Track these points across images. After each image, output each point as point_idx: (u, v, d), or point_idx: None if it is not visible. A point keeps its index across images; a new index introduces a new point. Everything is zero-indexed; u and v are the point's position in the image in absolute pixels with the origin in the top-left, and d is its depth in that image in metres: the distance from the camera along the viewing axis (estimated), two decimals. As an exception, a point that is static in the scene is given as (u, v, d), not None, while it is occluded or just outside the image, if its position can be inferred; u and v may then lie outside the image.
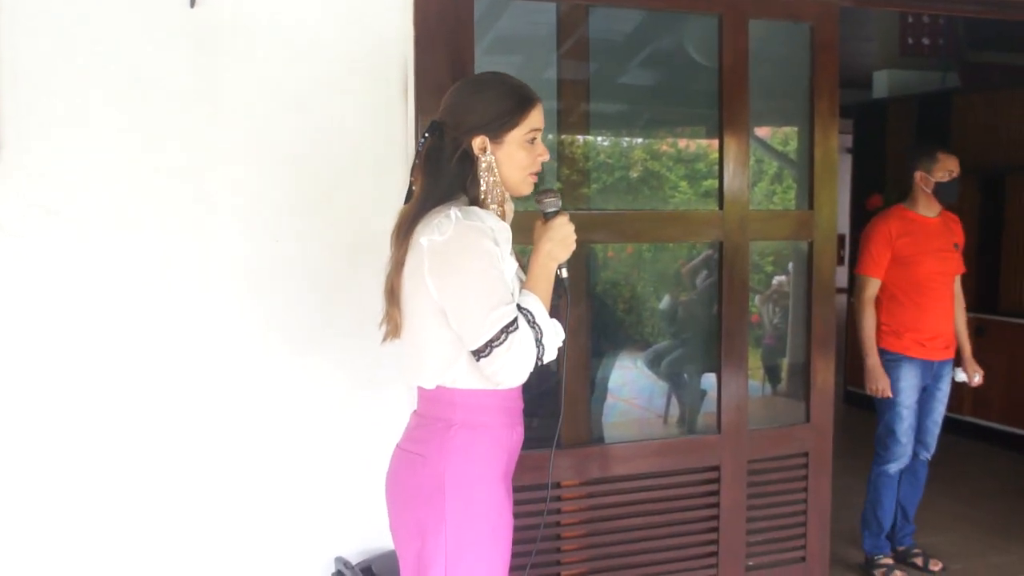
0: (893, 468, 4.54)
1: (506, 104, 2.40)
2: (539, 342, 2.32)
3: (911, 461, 4.62)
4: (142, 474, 3.02)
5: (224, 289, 3.07)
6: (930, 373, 4.58)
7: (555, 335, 2.39)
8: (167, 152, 2.98)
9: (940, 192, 4.51)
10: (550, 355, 2.37)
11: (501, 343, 2.24)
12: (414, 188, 2.47)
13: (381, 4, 3.20)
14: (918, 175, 4.55)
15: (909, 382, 4.51)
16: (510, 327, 2.25)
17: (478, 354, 2.26)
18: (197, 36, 2.99)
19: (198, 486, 3.09)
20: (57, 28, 2.85)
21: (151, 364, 3.01)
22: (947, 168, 4.49)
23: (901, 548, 4.70)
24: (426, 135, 2.44)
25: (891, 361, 4.51)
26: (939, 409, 4.65)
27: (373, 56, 3.20)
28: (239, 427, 3.12)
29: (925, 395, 4.59)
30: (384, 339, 2.51)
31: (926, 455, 4.66)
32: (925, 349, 4.52)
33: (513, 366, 2.27)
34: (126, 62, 2.92)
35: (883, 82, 8.09)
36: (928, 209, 4.57)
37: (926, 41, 8.18)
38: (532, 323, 2.32)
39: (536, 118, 2.43)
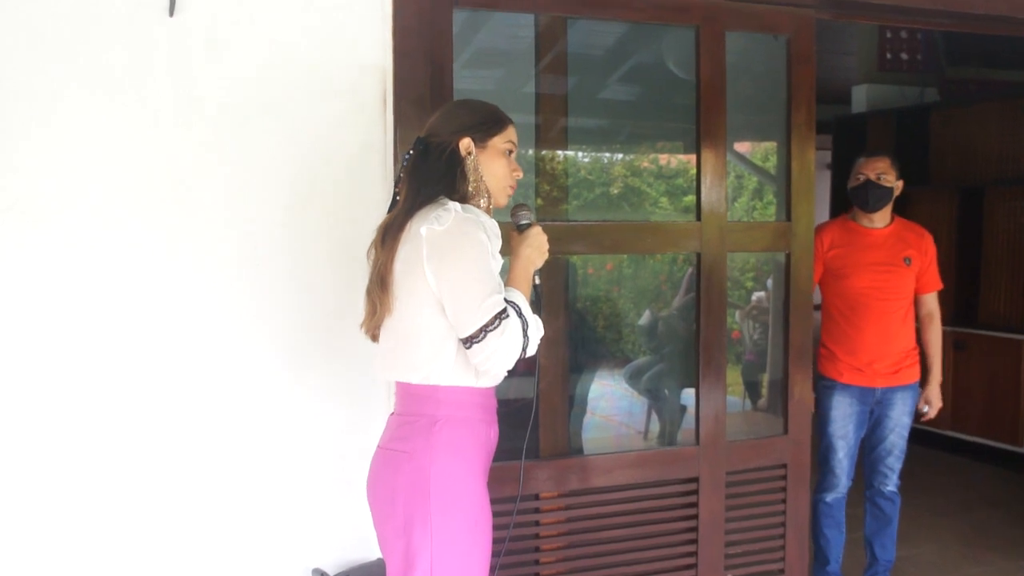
0: (829, 497, 4.39)
1: (488, 114, 2.63)
2: (525, 332, 2.43)
3: (871, 494, 4.48)
4: (113, 482, 3.02)
5: (195, 295, 3.08)
6: (872, 400, 4.36)
7: (537, 329, 2.52)
8: (142, 159, 2.99)
9: (854, 198, 4.39)
10: (532, 347, 2.49)
11: (495, 328, 2.37)
12: (399, 197, 2.60)
13: (359, 14, 3.23)
14: (848, 185, 4.45)
15: (842, 411, 4.35)
16: (503, 314, 2.38)
17: (471, 340, 2.38)
18: (174, 44, 3.01)
19: (172, 495, 3.09)
20: (33, 33, 2.86)
21: (123, 367, 3.01)
22: (860, 172, 4.35)
23: None
24: (410, 151, 2.59)
25: (825, 387, 4.38)
26: (890, 439, 4.39)
27: (351, 66, 3.23)
28: (212, 437, 3.13)
29: (873, 423, 4.40)
30: (366, 334, 2.63)
31: (888, 487, 4.45)
32: (863, 375, 4.33)
33: (503, 352, 2.39)
34: (103, 68, 2.94)
35: (862, 97, 8.14)
36: (868, 220, 4.40)
37: (905, 56, 8.22)
38: (519, 314, 2.44)
39: (512, 134, 2.65)
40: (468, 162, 2.56)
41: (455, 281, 2.40)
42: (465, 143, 2.56)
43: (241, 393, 3.15)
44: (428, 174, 2.54)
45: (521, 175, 2.68)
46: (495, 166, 2.60)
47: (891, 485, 4.45)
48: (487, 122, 2.61)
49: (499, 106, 2.68)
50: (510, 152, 2.64)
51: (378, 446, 2.60)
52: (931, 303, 4.50)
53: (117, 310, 2.99)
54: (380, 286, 2.51)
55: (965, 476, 6.72)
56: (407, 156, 2.61)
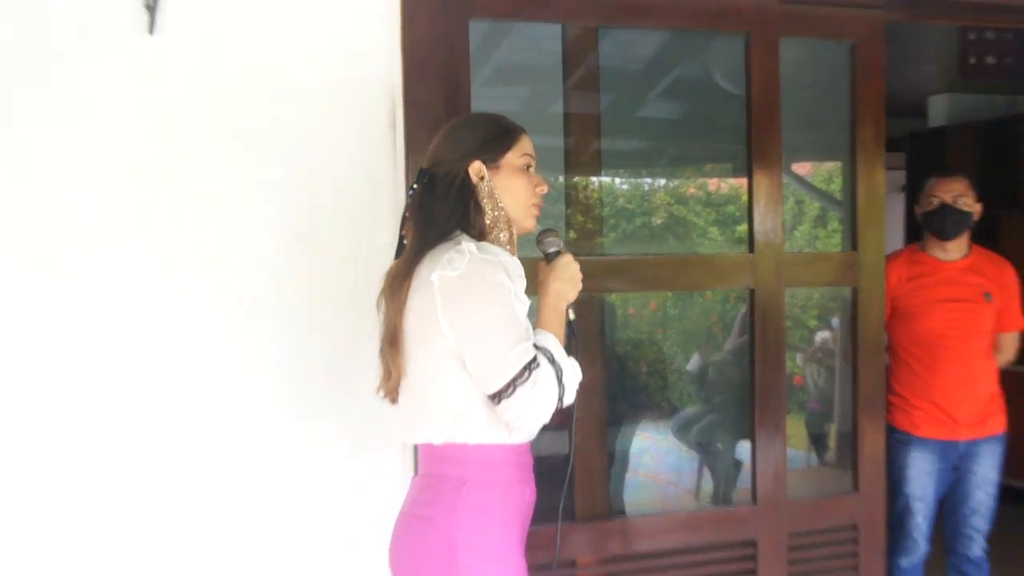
0: (905, 563, 4.36)
1: (495, 128, 2.58)
2: (560, 381, 2.40)
3: (955, 560, 4.43)
4: (108, 526, 3.07)
5: (196, 328, 3.13)
6: (955, 455, 4.33)
7: (574, 374, 2.48)
8: (124, 188, 3.04)
9: (927, 225, 4.35)
10: (570, 396, 2.46)
11: (525, 380, 2.34)
12: (405, 241, 2.57)
13: (362, 28, 3.26)
14: (916, 209, 4.43)
15: (920, 468, 4.32)
16: (532, 364, 2.35)
17: (499, 396, 2.35)
18: (154, 65, 3.05)
19: (168, 557, 3.12)
20: (5, 56, 2.93)
21: (115, 419, 3.07)
22: (933, 195, 4.32)
23: None
24: (414, 186, 2.57)
25: (900, 442, 4.33)
26: (977, 497, 4.35)
27: (354, 86, 3.24)
28: (211, 495, 3.16)
29: (956, 480, 4.37)
30: (384, 397, 2.60)
31: (975, 552, 4.40)
32: (944, 427, 4.30)
33: (536, 406, 2.36)
34: (79, 90, 2.99)
35: (941, 109, 8.04)
36: (942, 250, 4.38)
37: (991, 61, 8.10)
38: (552, 360, 2.41)
39: (527, 144, 2.59)
40: (482, 189, 2.53)
41: (475, 332, 2.37)
42: (476, 168, 2.52)
43: (241, 450, 3.18)
44: (437, 211, 2.51)
45: (546, 189, 2.63)
46: (514, 186, 2.56)
47: (978, 550, 4.41)
48: (496, 137, 2.57)
49: (519, 122, 2.65)
50: (528, 166, 2.61)
51: (400, 512, 2.59)
52: (1010, 345, 4.47)
53: (106, 358, 3.04)
54: (392, 346, 2.50)
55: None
56: (411, 191, 2.59)
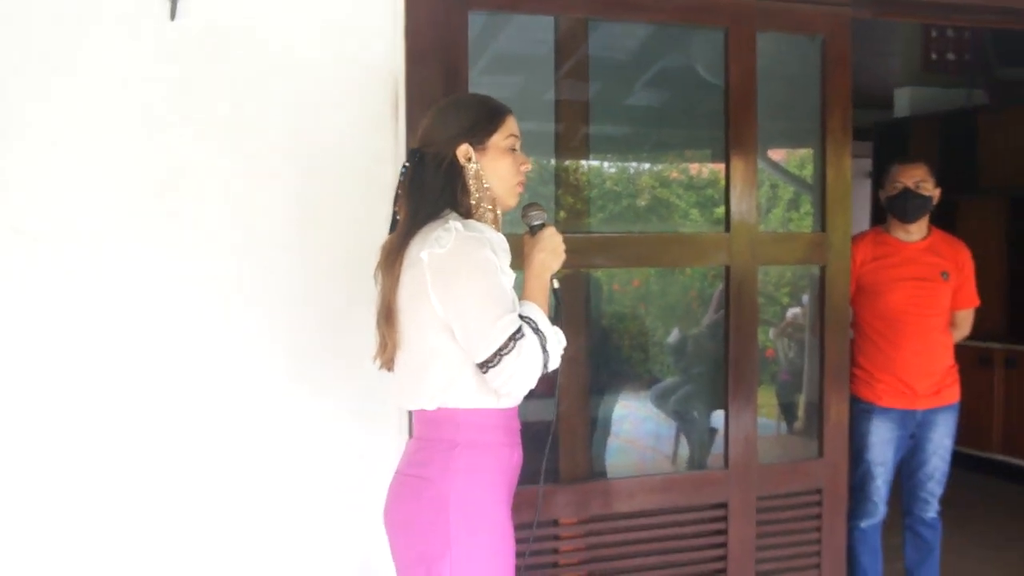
0: (865, 524, 4.35)
1: (482, 111, 2.57)
2: (544, 348, 2.41)
3: (911, 521, 4.46)
4: (119, 510, 3.05)
5: (202, 303, 3.11)
6: (913, 423, 4.35)
7: (558, 341, 2.49)
8: (145, 168, 3.02)
9: (890, 208, 4.36)
10: (555, 362, 2.47)
11: (510, 351, 2.33)
12: (398, 217, 2.57)
13: (369, 16, 3.24)
14: (881, 194, 4.44)
15: (881, 436, 4.31)
16: (517, 334, 2.35)
17: (486, 365, 2.35)
18: (176, 50, 3.03)
19: (178, 519, 3.11)
20: (29, 40, 2.91)
21: (127, 389, 3.05)
22: (896, 180, 4.32)
23: None
24: (406, 164, 2.57)
25: (862, 411, 4.30)
26: (932, 463, 4.38)
27: (360, 70, 3.23)
28: (220, 460, 3.15)
29: (913, 447, 4.39)
30: (381, 368, 2.61)
31: (929, 514, 4.43)
32: (903, 397, 4.30)
33: (522, 374, 2.37)
34: (101, 72, 2.98)
35: (905, 100, 8.07)
36: (903, 232, 4.38)
37: (951, 56, 8.16)
38: (536, 330, 2.41)
39: (512, 125, 2.59)
40: (469, 170, 2.53)
41: (463, 306, 2.38)
42: (463, 150, 2.52)
43: (244, 412, 3.17)
44: (427, 189, 2.51)
45: (529, 167, 2.62)
46: (500, 166, 2.55)
47: (932, 512, 4.43)
48: (483, 120, 2.55)
49: (512, 111, 2.63)
50: (513, 147, 2.59)
51: (396, 471, 2.59)
52: (965, 321, 4.49)
53: (118, 329, 3.02)
54: (387, 320, 2.50)
55: (1018, 503, 6.62)
56: (403, 169, 2.58)
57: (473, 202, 2.54)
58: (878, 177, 8.09)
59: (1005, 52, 8.04)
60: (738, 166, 3.86)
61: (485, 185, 2.54)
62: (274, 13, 3.15)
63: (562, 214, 3.71)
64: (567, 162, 3.78)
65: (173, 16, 3.02)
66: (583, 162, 3.87)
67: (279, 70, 3.16)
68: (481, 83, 3.48)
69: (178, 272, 3.07)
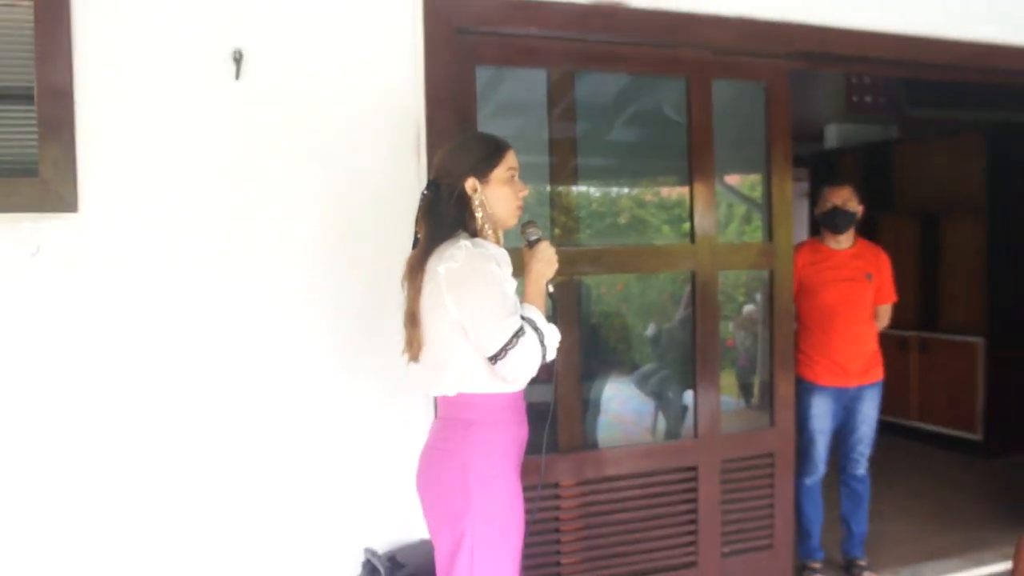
0: (809, 481, 4.33)
1: (485, 149, 2.57)
2: (542, 343, 2.44)
3: (845, 477, 4.44)
4: (183, 470, 3.04)
5: (262, 315, 3.11)
6: (846, 398, 4.34)
7: (554, 337, 2.51)
8: (218, 193, 3.04)
9: (823, 222, 4.36)
10: (551, 353, 2.50)
11: (514, 346, 2.37)
12: (419, 236, 2.59)
13: (397, 71, 3.25)
14: (815, 210, 4.45)
15: (820, 409, 4.29)
16: (519, 332, 2.38)
17: (495, 358, 2.38)
18: (240, 105, 3.05)
19: (241, 484, 3.10)
20: (123, 103, 2.92)
21: (206, 377, 3.05)
22: (827, 200, 4.31)
23: (848, 558, 4.47)
24: (424, 192, 2.58)
25: (805, 389, 4.30)
26: (861, 430, 4.37)
27: (389, 118, 3.23)
28: (280, 435, 3.14)
29: (846, 417, 4.37)
30: (408, 362, 2.61)
31: (860, 471, 4.43)
32: (837, 376, 4.30)
33: (524, 365, 2.40)
34: (181, 128, 2.98)
35: (833, 134, 8.05)
36: (835, 242, 4.37)
37: (869, 99, 8.16)
38: (535, 328, 2.44)
39: (511, 159, 2.59)
40: (475, 200, 2.52)
41: (473, 311, 2.40)
42: (470, 184, 2.52)
43: (302, 396, 3.16)
44: (441, 215, 2.52)
45: (526, 192, 2.63)
46: (500, 195, 2.55)
47: (862, 469, 4.44)
48: (486, 157, 2.55)
49: (515, 147, 2.63)
50: (512, 176, 2.58)
51: (424, 446, 2.60)
52: (885, 314, 4.50)
53: (203, 325, 3.04)
54: (411, 323, 2.53)
55: (931, 462, 6.63)
56: (423, 196, 2.59)
57: (479, 224, 2.54)
58: (813, 197, 8.09)
59: (914, 95, 8.07)
60: (700, 190, 3.88)
61: (489, 211, 2.55)
62: (321, 71, 3.16)
63: (556, 231, 3.72)
64: (560, 188, 3.77)
65: (238, 76, 3.04)
66: (573, 188, 3.86)
67: (323, 116, 3.16)
68: (488, 124, 3.46)
69: (244, 284, 3.08)
